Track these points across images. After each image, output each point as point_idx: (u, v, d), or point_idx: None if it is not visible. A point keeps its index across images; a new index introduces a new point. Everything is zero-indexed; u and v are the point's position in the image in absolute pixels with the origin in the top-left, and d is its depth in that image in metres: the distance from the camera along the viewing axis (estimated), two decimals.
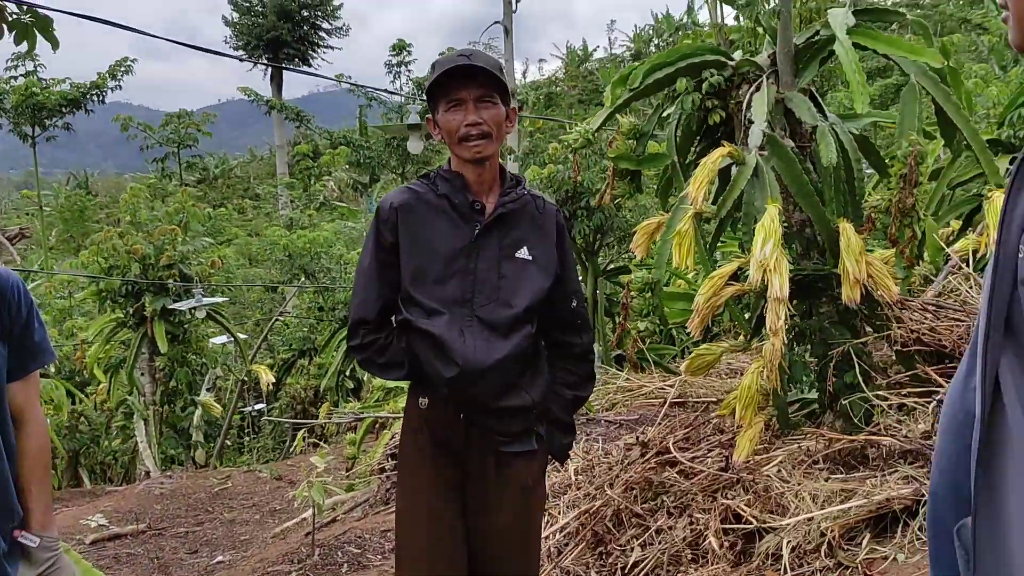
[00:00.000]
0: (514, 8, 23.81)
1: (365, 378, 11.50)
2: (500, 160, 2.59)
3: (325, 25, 34.13)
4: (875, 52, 3.66)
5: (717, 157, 3.54)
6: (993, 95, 6.39)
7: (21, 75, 21.14)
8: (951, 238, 6.17)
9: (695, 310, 3.67)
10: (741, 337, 5.20)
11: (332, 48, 34.50)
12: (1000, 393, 0.89)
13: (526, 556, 2.55)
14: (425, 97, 2.51)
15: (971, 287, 4.98)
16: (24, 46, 4.25)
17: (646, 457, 4.34)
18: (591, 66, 31.31)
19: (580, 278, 4.63)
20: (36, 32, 4.14)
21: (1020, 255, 0.84)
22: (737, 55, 4.08)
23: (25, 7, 4.13)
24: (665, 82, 4.02)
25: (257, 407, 13.65)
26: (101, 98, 21.20)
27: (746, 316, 4.35)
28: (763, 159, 3.61)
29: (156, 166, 25.92)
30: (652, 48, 29.16)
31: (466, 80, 2.40)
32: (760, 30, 4.05)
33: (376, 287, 2.48)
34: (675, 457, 4.21)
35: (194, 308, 9.93)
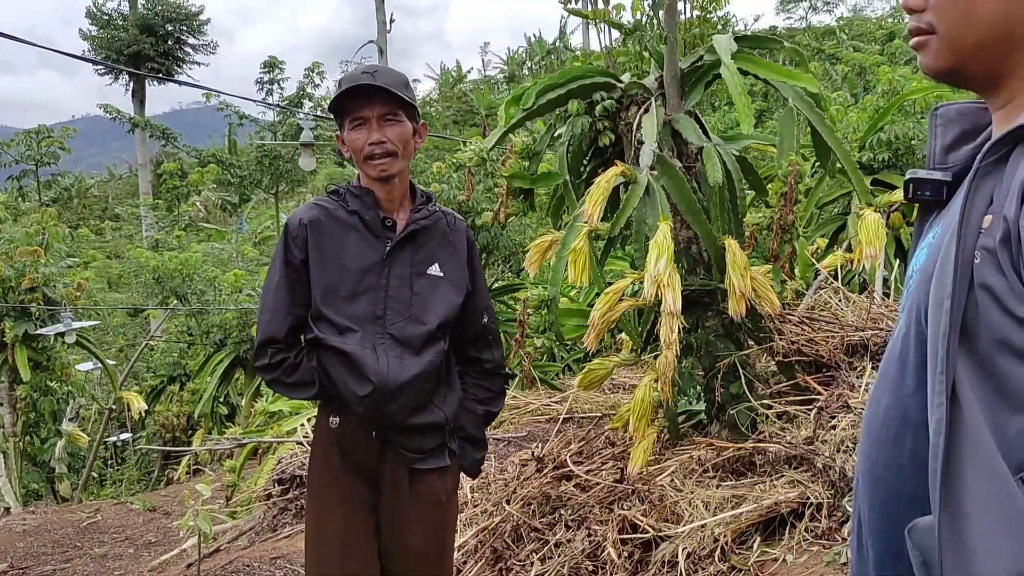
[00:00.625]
0: (388, 28, 23.65)
1: (243, 403, 11.15)
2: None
3: (191, 40, 33.02)
4: (756, 76, 3.85)
5: (611, 176, 3.64)
6: (853, 120, 6.82)
7: None
8: (817, 255, 6.54)
9: (591, 325, 3.73)
10: (625, 351, 5.33)
11: (198, 64, 33.38)
12: (956, 396, 0.93)
13: (440, 573, 2.54)
14: (319, 113, 2.49)
15: (840, 301, 5.28)
16: None
17: (542, 472, 4.39)
18: (465, 87, 31.51)
19: None
20: None
21: (976, 260, 0.90)
22: (625, 77, 4.22)
23: None
24: (557, 103, 4.10)
25: (122, 436, 13.01)
26: None
27: (639, 331, 4.47)
28: (654, 178, 3.73)
29: (11, 185, 24.40)
30: (525, 71, 29.61)
31: (369, 98, 2.40)
32: (646, 54, 4.19)
33: (285, 305, 2.43)
34: (571, 471, 4.27)
35: (62, 333, 9.40)
